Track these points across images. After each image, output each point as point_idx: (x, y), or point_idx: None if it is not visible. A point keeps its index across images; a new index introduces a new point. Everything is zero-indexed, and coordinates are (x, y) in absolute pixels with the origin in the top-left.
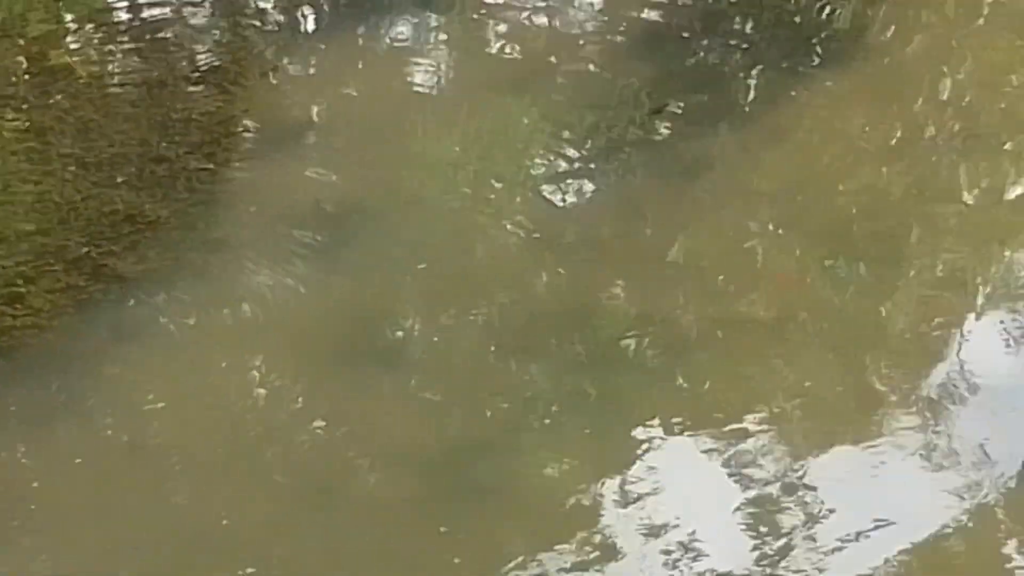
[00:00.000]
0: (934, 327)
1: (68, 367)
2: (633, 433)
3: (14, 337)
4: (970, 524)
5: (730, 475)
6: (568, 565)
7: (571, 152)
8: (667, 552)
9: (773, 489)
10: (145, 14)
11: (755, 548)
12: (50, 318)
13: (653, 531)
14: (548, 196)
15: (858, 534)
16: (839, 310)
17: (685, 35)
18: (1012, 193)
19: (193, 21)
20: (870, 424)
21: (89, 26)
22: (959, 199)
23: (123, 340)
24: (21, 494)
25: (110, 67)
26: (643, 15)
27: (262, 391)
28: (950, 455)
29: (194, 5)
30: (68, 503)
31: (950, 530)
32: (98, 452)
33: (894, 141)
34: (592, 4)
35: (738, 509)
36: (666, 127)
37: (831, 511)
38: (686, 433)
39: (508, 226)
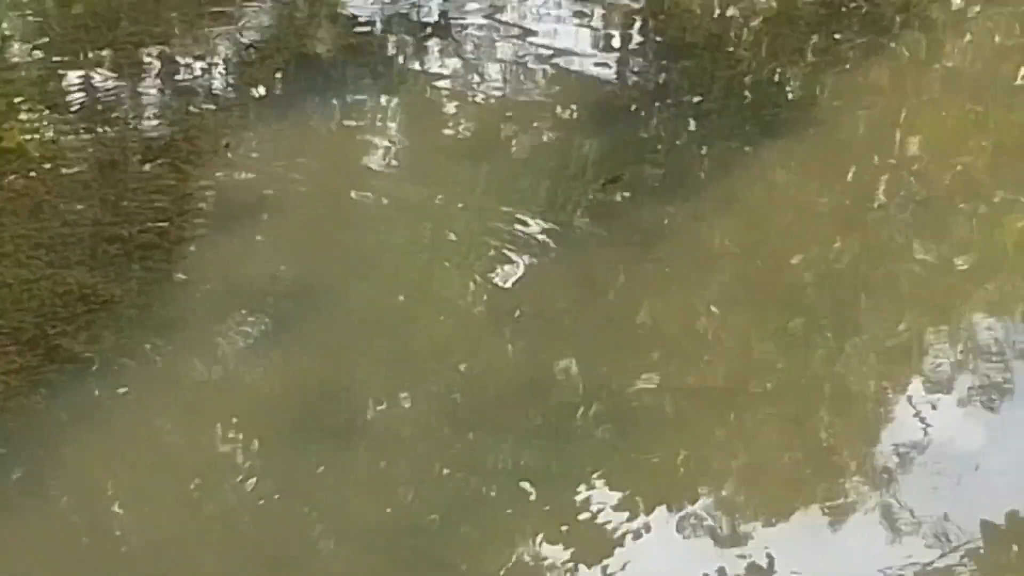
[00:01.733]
0: (890, 393)
1: (24, 449)
2: (591, 506)
3: None
4: None
5: (688, 546)
6: None
7: (525, 224)
8: None
9: (732, 559)
10: (97, 93)
11: None
12: (4, 399)
13: None
14: (503, 268)
15: None
16: (795, 377)
17: (637, 106)
18: (966, 257)
19: (145, 99)
20: (829, 492)
21: (41, 106)
22: (913, 265)
23: (79, 420)
24: None
25: (63, 147)
26: (595, 87)
27: (219, 469)
28: (911, 520)
29: (146, 83)
30: None
31: None
32: (57, 534)
33: (847, 208)
34: (544, 76)
35: None
36: (620, 197)
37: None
38: (643, 505)
39: (463, 299)
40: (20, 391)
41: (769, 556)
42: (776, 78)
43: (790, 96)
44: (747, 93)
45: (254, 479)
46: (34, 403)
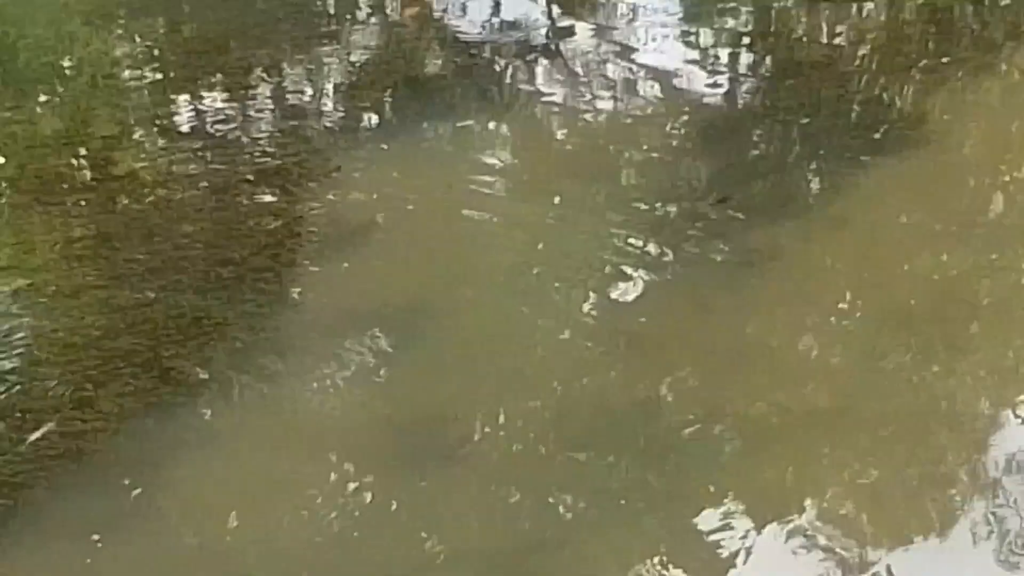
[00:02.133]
0: (1004, 414)
1: (138, 471)
2: (701, 527)
3: (85, 441)
4: None
5: (802, 568)
6: None
7: (635, 243)
8: None
9: None
10: (208, 118)
11: None
12: (119, 422)
13: None
14: (613, 288)
15: None
16: (907, 398)
17: (745, 126)
18: None
19: (255, 123)
20: (943, 514)
21: (152, 131)
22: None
23: (192, 443)
24: None
25: (174, 171)
26: (703, 106)
27: (331, 491)
28: (1017, 540)
29: (256, 107)
30: None
31: None
32: (169, 557)
33: (958, 227)
34: (652, 96)
35: None
36: (729, 217)
37: None
38: (755, 525)
39: (573, 320)
40: (134, 413)
41: None
42: (885, 97)
43: (899, 115)
44: (856, 112)
45: (366, 501)
46: (148, 425)
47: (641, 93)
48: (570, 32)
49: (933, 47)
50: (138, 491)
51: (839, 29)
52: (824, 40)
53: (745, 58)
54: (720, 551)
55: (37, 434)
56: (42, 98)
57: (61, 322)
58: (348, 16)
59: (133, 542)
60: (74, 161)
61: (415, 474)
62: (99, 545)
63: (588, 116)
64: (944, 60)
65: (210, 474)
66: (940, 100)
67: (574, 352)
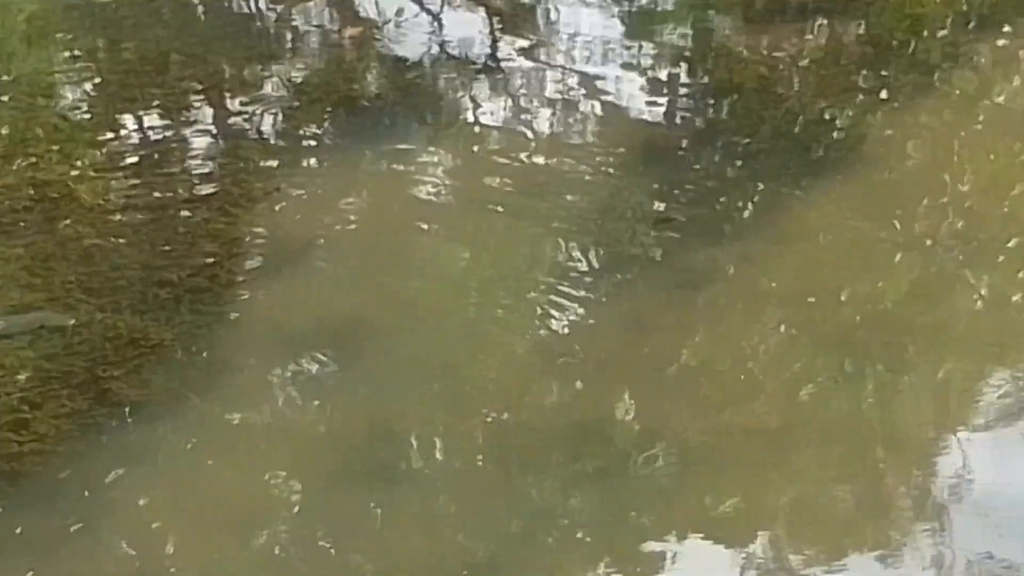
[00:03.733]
0: (942, 434)
1: (75, 493)
2: (643, 545)
3: (21, 463)
4: None
5: None
6: None
7: (575, 265)
8: None
9: None
10: (147, 137)
11: None
12: (55, 443)
13: None
14: (553, 309)
15: None
16: (846, 418)
17: (685, 146)
18: (1016, 297)
19: (195, 143)
20: (880, 532)
21: (91, 151)
22: (964, 304)
23: (129, 464)
24: None
25: (112, 192)
26: (643, 128)
27: (269, 512)
28: (960, 564)
29: (196, 127)
30: None
31: None
32: None
33: (897, 247)
34: (592, 117)
35: None
36: (670, 238)
37: None
38: (696, 546)
39: (514, 340)
40: (71, 435)
41: None
42: (824, 118)
43: (838, 136)
44: (795, 133)
45: (303, 521)
46: (85, 447)
47: (581, 113)
48: (511, 52)
49: (871, 67)
50: (75, 514)
51: (779, 50)
52: (764, 61)
53: (685, 78)
54: (660, 572)
55: None
56: None
57: None
58: (288, 36)
59: (70, 566)
60: (11, 179)
61: (352, 495)
62: (35, 568)
63: (528, 136)
64: (882, 79)
65: (147, 496)
66: (878, 121)
67: (515, 372)
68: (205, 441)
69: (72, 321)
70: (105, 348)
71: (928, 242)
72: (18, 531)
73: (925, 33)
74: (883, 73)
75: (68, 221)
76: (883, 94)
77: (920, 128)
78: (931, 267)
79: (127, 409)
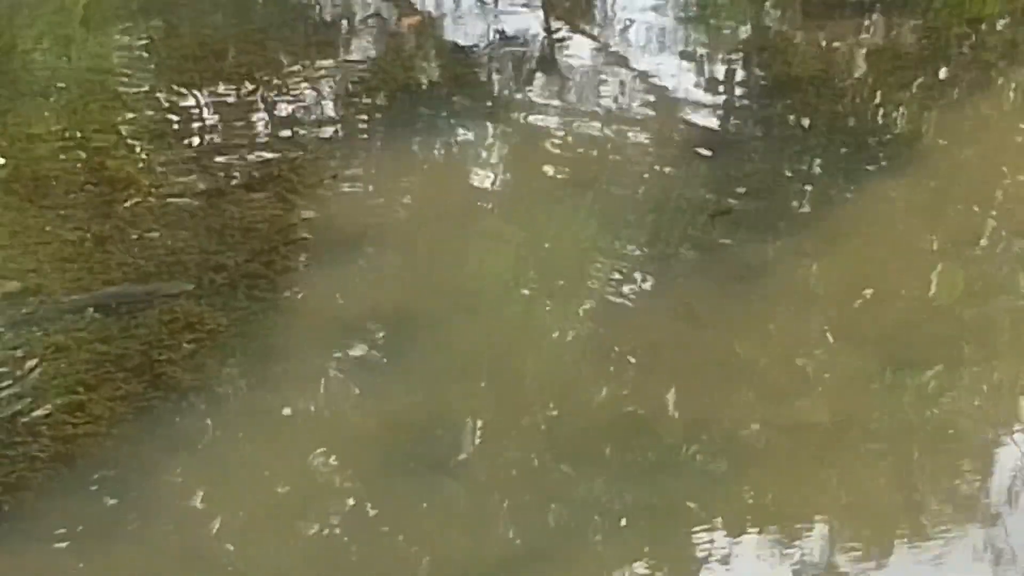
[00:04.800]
0: (994, 433)
1: (127, 476)
2: (692, 542)
3: (75, 445)
4: None
5: None
6: None
7: (628, 257)
8: None
9: None
10: (205, 124)
11: None
12: (110, 426)
13: None
14: (605, 302)
15: None
16: (898, 416)
17: (740, 140)
18: None
19: (251, 129)
20: (931, 531)
21: (148, 135)
22: (1017, 304)
23: (182, 449)
24: None
25: (170, 176)
26: (699, 120)
27: (318, 500)
28: (1013, 562)
29: (253, 114)
30: None
31: None
32: (156, 562)
33: (952, 245)
34: (648, 109)
35: None
36: (723, 231)
37: None
38: (745, 542)
39: (565, 333)
40: (125, 417)
41: None
42: (881, 114)
43: (895, 132)
44: (851, 128)
45: (352, 511)
46: (138, 430)
47: (637, 104)
48: (567, 44)
49: (929, 64)
50: (127, 498)
51: (836, 45)
52: (821, 55)
53: (742, 71)
54: (707, 568)
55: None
56: (38, 100)
57: (53, 325)
58: (346, 24)
59: (119, 548)
60: (69, 164)
61: (401, 486)
62: (85, 550)
63: (583, 128)
64: (940, 77)
65: (198, 481)
66: (935, 118)
67: (565, 364)
68: (257, 428)
69: (190, 286)
70: (161, 332)
71: (983, 241)
72: (70, 513)
73: (984, 28)
74: (941, 69)
75: (125, 205)
76: (941, 90)
77: (977, 125)
78: (985, 266)
79: (181, 393)
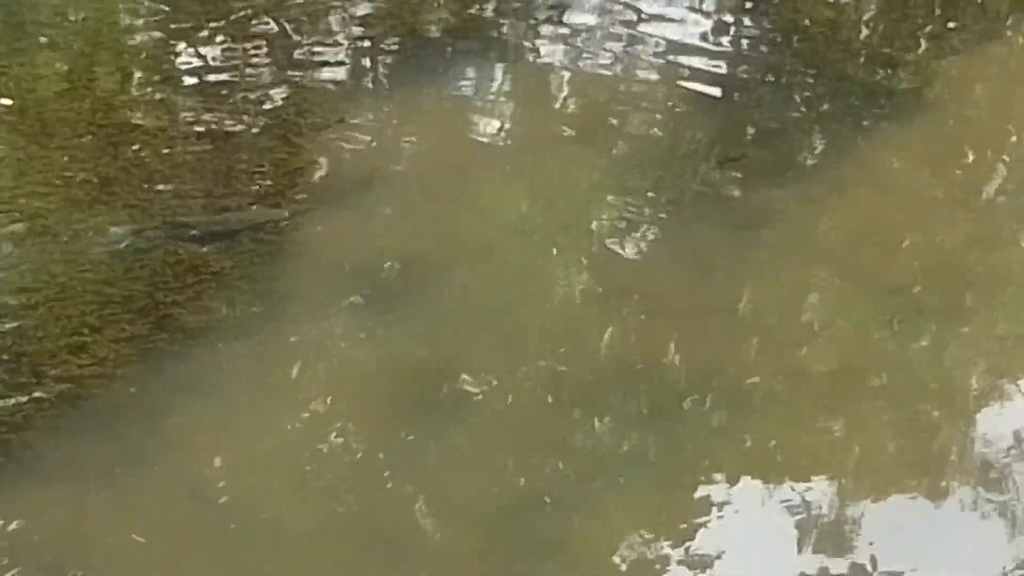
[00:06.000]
0: (997, 382)
1: (132, 417)
2: (695, 488)
3: (80, 385)
4: None
5: (792, 530)
6: None
7: (635, 204)
8: None
9: (834, 542)
10: (211, 67)
11: None
12: (115, 367)
13: None
14: (612, 249)
15: None
16: (902, 364)
17: (748, 88)
18: None
19: (258, 73)
20: (931, 478)
21: (155, 78)
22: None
23: (186, 390)
24: (84, 543)
25: (176, 120)
26: (705, 67)
27: (323, 442)
28: (1009, 510)
29: (260, 57)
30: (130, 553)
31: None
32: (160, 503)
33: (958, 195)
34: (656, 57)
35: (800, 563)
36: (731, 178)
37: (893, 565)
38: (748, 487)
39: (571, 279)
40: (130, 359)
41: (876, 544)
42: (890, 62)
43: (903, 81)
44: (860, 77)
45: (357, 453)
46: (143, 371)
47: (645, 52)
48: None
49: (939, 13)
50: (132, 439)
51: None
52: (831, 3)
53: (751, 19)
54: (712, 516)
55: None
56: (44, 40)
57: (59, 267)
58: None
59: (124, 488)
60: (76, 106)
61: (406, 428)
62: (90, 490)
63: (591, 76)
64: (950, 26)
65: (203, 423)
66: (944, 68)
67: (572, 311)
68: (261, 371)
69: (286, 214)
70: (166, 273)
71: (990, 191)
72: (76, 453)
73: None
74: (950, 19)
75: (132, 148)
76: (950, 40)
77: (986, 76)
78: (991, 217)
79: (186, 335)
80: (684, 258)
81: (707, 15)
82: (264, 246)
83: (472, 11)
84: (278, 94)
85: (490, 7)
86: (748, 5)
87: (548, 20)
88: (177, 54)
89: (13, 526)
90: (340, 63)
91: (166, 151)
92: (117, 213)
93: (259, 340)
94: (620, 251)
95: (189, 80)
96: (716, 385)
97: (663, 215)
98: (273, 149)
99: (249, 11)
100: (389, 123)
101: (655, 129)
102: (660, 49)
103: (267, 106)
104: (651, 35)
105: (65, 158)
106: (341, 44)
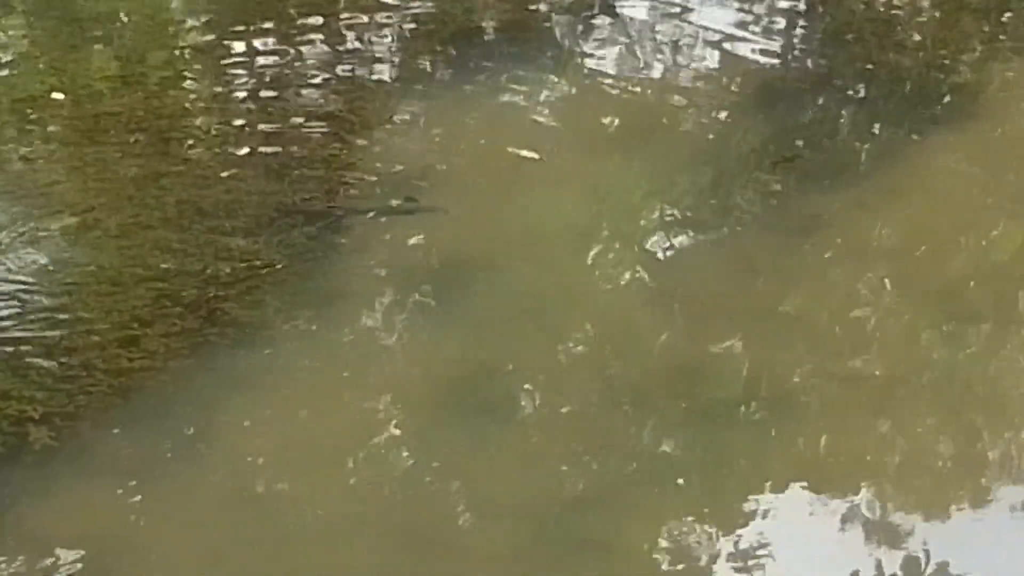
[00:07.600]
0: None
1: (181, 412)
2: (743, 490)
3: (130, 379)
4: None
5: (839, 534)
6: None
7: (685, 207)
8: None
9: (884, 549)
10: (263, 64)
11: None
12: (165, 361)
13: None
14: (661, 251)
15: None
16: (953, 371)
17: (801, 90)
18: None
19: (311, 70)
20: (982, 486)
21: (207, 74)
22: None
23: (236, 386)
24: (130, 539)
25: (228, 117)
26: (759, 70)
27: (372, 442)
28: None
29: (312, 54)
30: (176, 550)
31: None
32: (207, 499)
33: (1011, 201)
34: (708, 58)
35: (847, 569)
36: (782, 181)
37: (943, 572)
38: (796, 491)
39: (621, 281)
40: (180, 353)
41: (925, 549)
42: (943, 65)
43: (957, 85)
44: (914, 80)
45: (406, 452)
46: (193, 366)
47: (696, 55)
48: None
49: (993, 17)
50: (181, 433)
51: None
52: (885, 5)
53: (804, 21)
54: (758, 519)
55: None
56: (98, 38)
57: (110, 261)
58: None
59: (172, 483)
60: (128, 102)
61: (456, 428)
62: (139, 485)
63: (642, 76)
64: (1005, 26)
65: (251, 419)
66: (998, 71)
67: (622, 312)
68: (311, 368)
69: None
70: (218, 268)
71: None
72: (124, 447)
73: None
74: (1004, 22)
75: (183, 142)
76: (1004, 43)
77: None
78: None
79: (236, 331)
80: (735, 260)
81: (760, 16)
82: (316, 243)
83: (524, 10)
84: (330, 91)
85: (542, 8)
86: (801, 7)
87: (600, 20)
88: (229, 52)
89: (61, 518)
90: (392, 61)
91: (219, 147)
92: (167, 209)
93: (309, 337)
94: (670, 253)
95: (242, 78)
96: (765, 388)
97: (713, 217)
98: (325, 145)
99: (302, 8)
100: (440, 120)
101: (707, 129)
102: (711, 50)
103: (319, 103)
104: (702, 36)
105: (117, 154)
106: (394, 41)
